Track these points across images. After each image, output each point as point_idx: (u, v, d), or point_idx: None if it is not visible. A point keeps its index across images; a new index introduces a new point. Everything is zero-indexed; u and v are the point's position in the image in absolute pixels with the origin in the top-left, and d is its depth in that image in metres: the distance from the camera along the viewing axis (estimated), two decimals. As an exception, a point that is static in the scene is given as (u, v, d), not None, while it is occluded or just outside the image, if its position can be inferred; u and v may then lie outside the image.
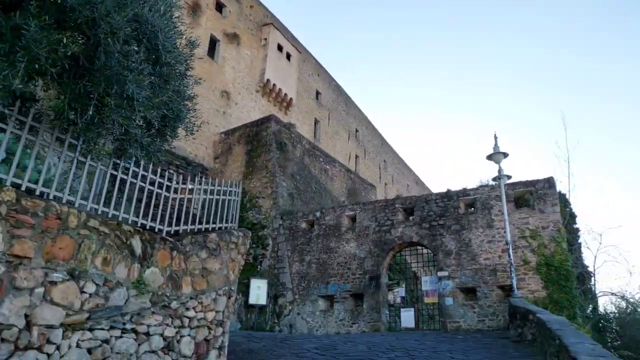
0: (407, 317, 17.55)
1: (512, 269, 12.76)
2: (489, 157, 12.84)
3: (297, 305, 18.92)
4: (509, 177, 13.17)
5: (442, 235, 16.65)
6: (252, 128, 23.77)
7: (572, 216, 21.86)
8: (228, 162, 23.28)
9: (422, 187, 45.70)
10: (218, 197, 6.64)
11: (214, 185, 6.63)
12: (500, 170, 12.92)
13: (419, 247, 17.88)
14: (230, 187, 7.05)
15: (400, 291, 18.98)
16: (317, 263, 18.91)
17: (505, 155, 12.68)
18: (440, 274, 16.35)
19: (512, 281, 12.67)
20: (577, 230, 22.01)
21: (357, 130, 37.89)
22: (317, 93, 34.55)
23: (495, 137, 12.85)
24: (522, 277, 14.97)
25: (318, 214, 19.60)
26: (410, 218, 17.65)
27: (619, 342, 13.65)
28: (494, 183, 16.72)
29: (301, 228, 19.78)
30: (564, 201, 19.05)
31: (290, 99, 30.33)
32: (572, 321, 12.93)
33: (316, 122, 33.42)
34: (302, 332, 18.43)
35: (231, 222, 7.01)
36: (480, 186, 17.43)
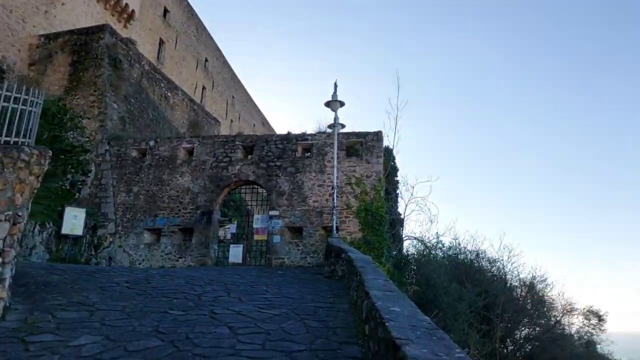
0: (236, 253, 17.83)
1: (335, 211, 13.72)
2: (327, 104, 13.26)
3: (119, 237, 17.70)
4: (343, 125, 13.84)
5: (278, 176, 17.02)
6: (80, 36, 20.50)
7: (395, 169, 24.28)
8: (47, 72, 19.86)
9: (268, 129, 45.96)
10: (7, 104, 5.46)
11: (1, 90, 5.42)
12: (335, 118, 13.47)
13: (255, 186, 18.04)
14: (27, 94, 5.86)
15: (232, 227, 19.11)
16: (146, 195, 17.78)
17: (341, 104, 13.21)
18: (271, 212, 16.83)
19: (333, 222, 13.66)
20: (397, 182, 24.62)
21: (206, 60, 35.67)
22: (166, 10, 31.23)
23: (335, 86, 13.25)
24: (344, 220, 16.30)
25: (152, 143, 18.21)
26: (249, 157, 17.58)
27: (414, 279, 15.98)
28: (330, 131, 17.53)
29: (131, 156, 18.20)
30: (389, 154, 21.01)
31: (132, 10, 26.85)
32: (378, 260, 14.68)
33: (161, 43, 30.40)
34: (122, 265, 17.44)
35: (26, 137, 5.90)
36: (318, 132, 18.12)
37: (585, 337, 17.28)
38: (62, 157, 18.61)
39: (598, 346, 17.24)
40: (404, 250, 19.87)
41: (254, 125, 43.36)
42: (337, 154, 15.82)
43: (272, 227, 16.58)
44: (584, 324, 18.08)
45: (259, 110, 46.86)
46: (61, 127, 18.70)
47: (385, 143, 20.48)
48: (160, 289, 7.77)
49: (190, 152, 17.99)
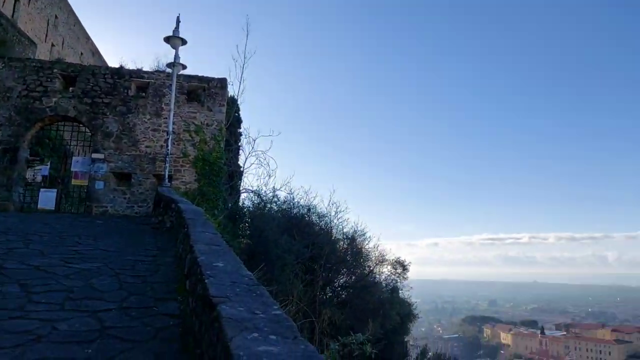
0: (47, 198, 15.59)
1: (168, 159, 12.87)
2: (167, 40, 12.05)
3: None
4: (184, 66, 12.81)
5: (106, 115, 15.15)
6: None
7: (238, 120, 23.78)
8: None
9: (99, 61, 40.48)
10: None
11: None
12: (176, 57, 12.38)
13: (77, 124, 15.78)
14: None
15: (44, 169, 16.54)
16: None
17: (183, 41, 12.15)
18: (95, 155, 15.02)
19: (165, 171, 12.82)
20: (240, 134, 24.22)
21: (22, -35, 29.23)
22: None
23: (178, 21, 12.08)
24: (179, 169, 15.43)
25: None
26: (71, 89, 15.22)
27: (247, 232, 16.09)
28: (170, 70, 16.16)
29: None
30: (233, 104, 20.40)
31: None
32: (212, 212, 14.36)
33: None
34: None
35: None
36: (156, 71, 16.56)
37: (392, 284, 19.86)
38: None
39: (400, 292, 20.00)
40: (240, 203, 19.87)
41: (82, 54, 37.74)
42: (177, 97, 14.68)
43: (95, 171, 14.85)
44: (391, 272, 20.73)
45: (89, 38, 40.84)
46: None
47: (230, 93, 19.83)
48: None
49: (-10, 74, 14.77)
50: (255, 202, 19.19)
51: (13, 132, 14.58)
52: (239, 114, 23.75)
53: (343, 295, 17.68)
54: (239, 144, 23.87)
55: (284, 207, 19.47)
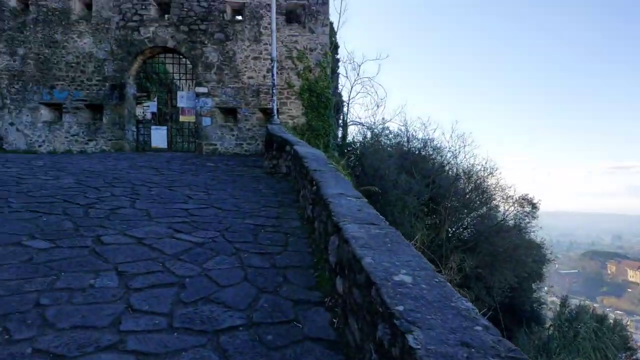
0: (159, 136, 15.29)
1: (274, 91, 11.42)
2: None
3: (9, 113, 14.34)
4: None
5: (204, 43, 13.95)
6: None
7: (335, 46, 21.64)
8: None
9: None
10: None
11: None
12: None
13: (177, 56, 14.89)
14: None
15: (152, 106, 16.16)
16: (37, 59, 14.13)
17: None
18: (198, 89, 14.10)
19: (272, 104, 11.43)
20: (338, 60, 22.12)
21: None
22: None
23: None
24: (285, 102, 14.05)
25: (35, -11, 13.98)
26: (166, 17, 14.12)
27: (360, 170, 14.55)
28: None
29: (9, 6, 14.01)
30: (331, 27, 18.17)
31: None
32: (326, 149, 12.92)
33: None
34: (17, 147, 14.40)
35: None
36: (251, -12, 14.76)
37: (521, 224, 17.45)
38: None
39: (532, 233, 17.56)
40: (349, 137, 18.27)
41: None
42: (276, 18, 12.95)
43: (200, 107, 13.99)
44: (519, 212, 18.22)
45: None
46: None
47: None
48: (32, 194, 5.47)
49: (88, 5, 14.11)
50: (365, 135, 17.42)
51: (117, 66, 14.05)
52: (335, 39, 21.54)
53: (469, 240, 15.76)
54: (337, 71, 21.88)
55: (398, 140, 17.51)
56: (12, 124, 14.46)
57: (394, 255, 2.56)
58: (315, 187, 4.73)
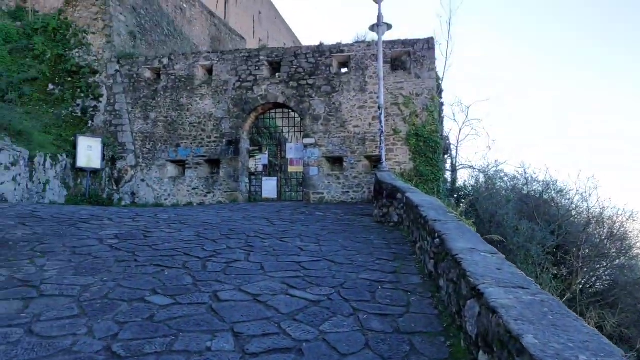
0: (269, 187, 15.89)
1: (382, 137, 11.21)
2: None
3: (140, 170, 15.97)
4: (389, 26, 10.87)
5: (311, 97, 14.43)
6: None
7: (440, 89, 21.18)
8: (44, -19, 17.24)
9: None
10: None
11: None
12: (379, 16, 10.49)
13: (286, 110, 15.60)
14: None
15: (263, 158, 17.01)
16: (165, 122, 15.71)
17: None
18: (306, 140, 14.50)
19: (381, 151, 11.22)
20: (442, 104, 21.57)
21: (229, -30, 31.80)
22: None
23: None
24: (391, 148, 13.81)
25: (165, 60, 15.78)
26: (277, 75, 14.95)
27: (474, 216, 13.55)
28: (371, 38, 14.56)
29: (144, 77, 15.93)
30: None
31: None
32: (436, 195, 12.26)
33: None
34: (147, 201, 15.87)
35: None
36: (356, 42, 15.12)
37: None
38: (70, 79, 16.55)
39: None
40: (459, 182, 17.30)
41: (285, 44, 39.91)
42: (382, 66, 12.97)
43: (308, 157, 14.30)
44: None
45: (289, 29, 43.07)
46: (65, 45, 16.45)
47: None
48: (156, 247, 5.73)
49: (209, 70, 15.52)
50: (478, 179, 16.36)
51: (233, 123, 15.05)
52: (440, 82, 21.08)
53: (606, 293, 13.65)
54: (442, 114, 21.23)
55: (514, 183, 16.16)
56: (143, 180, 16.04)
57: (562, 333, 2.03)
58: (438, 239, 4.27)
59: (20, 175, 13.15)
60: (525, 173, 15.86)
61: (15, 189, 12.89)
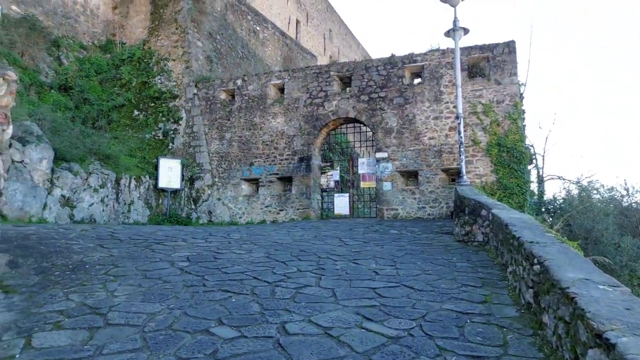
0: (341, 204, 15.58)
1: (462, 149, 10.46)
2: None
3: (217, 189, 16.38)
4: (466, 30, 10.17)
5: (383, 109, 13.98)
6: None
7: (521, 95, 19.74)
8: (130, 14, 18.57)
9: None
10: None
11: None
12: (455, 20, 9.85)
13: (357, 124, 15.28)
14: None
15: (335, 174, 16.77)
16: (239, 141, 16.03)
17: (469, -5, 9.52)
18: (378, 155, 14.03)
19: (460, 164, 10.46)
20: (524, 111, 20.12)
21: (299, -9, 32.52)
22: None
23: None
24: (470, 160, 12.94)
25: (239, 82, 16.17)
26: (347, 89, 14.71)
27: (567, 231, 12.21)
28: (444, 48, 13.83)
29: (220, 99, 16.43)
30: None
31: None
32: (522, 210, 11.21)
33: (248, -25, 27.83)
34: (223, 219, 16.21)
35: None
36: (430, 51, 14.46)
37: None
38: (152, 105, 17.54)
39: None
40: (547, 195, 15.81)
41: (355, 59, 39.88)
42: (459, 73, 12.24)
43: (381, 172, 13.81)
44: None
45: (358, 43, 43.05)
46: (148, 73, 17.50)
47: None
48: (225, 270, 5.56)
49: (281, 89, 15.65)
50: (569, 191, 14.83)
51: (304, 141, 14.99)
52: (522, 88, 19.66)
53: None
54: (524, 122, 19.73)
55: (611, 194, 14.46)
56: (219, 199, 16.41)
57: None
58: (538, 265, 3.63)
59: (107, 196, 13.96)
60: (626, 183, 14.12)
61: (103, 210, 13.69)
